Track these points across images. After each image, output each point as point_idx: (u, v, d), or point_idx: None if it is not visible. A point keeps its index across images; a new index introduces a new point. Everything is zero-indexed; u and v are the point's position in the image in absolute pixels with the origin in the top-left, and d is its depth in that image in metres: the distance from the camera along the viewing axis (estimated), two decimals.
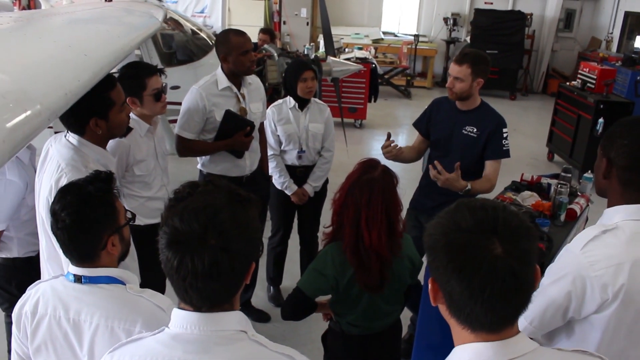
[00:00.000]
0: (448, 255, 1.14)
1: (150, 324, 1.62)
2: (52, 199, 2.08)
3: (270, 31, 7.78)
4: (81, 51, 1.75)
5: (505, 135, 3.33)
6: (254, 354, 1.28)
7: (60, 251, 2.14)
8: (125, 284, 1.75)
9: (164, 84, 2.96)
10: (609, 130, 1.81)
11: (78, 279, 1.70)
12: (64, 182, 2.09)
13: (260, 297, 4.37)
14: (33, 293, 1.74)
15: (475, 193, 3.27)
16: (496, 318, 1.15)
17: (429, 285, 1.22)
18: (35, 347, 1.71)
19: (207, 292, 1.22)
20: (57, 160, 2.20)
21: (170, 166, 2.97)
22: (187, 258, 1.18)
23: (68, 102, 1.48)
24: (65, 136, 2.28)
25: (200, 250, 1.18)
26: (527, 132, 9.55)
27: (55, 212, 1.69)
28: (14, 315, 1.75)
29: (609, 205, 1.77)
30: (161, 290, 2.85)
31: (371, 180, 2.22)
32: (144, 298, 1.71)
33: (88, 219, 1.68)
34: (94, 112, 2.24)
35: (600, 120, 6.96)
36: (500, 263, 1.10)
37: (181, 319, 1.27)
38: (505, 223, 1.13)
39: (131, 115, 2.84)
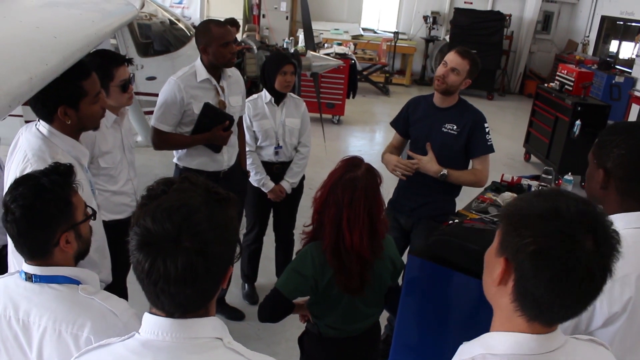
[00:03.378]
0: (542, 244, 1.09)
1: (100, 329, 1.53)
2: None
3: (235, 22, 7.52)
4: (50, 33, 1.59)
5: (487, 130, 3.29)
6: None
7: None
8: (80, 284, 1.65)
9: (131, 75, 2.84)
10: (600, 139, 1.74)
11: (29, 277, 1.60)
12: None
13: (234, 294, 4.29)
14: None
15: (455, 182, 3.27)
16: (567, 314, 1.15)
17: (501, 265, 1.16)
18: None
19: (180, 298, 1.13)
20: (25, 150, 2.10)
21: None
22: (159, 261, 1.09)
23: (33, 88, 1.35)
24: (36, 125, 2.17)
25: (173, 253, 1.09)
26: (504, 132, 9.60)
27: (6, 204, 1.58)
28: None
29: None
30: (122, 288, 2.75)
31: (354, 179, 2.14)
32: (96, 300, 1.60)
33: (39, 213, 1.57)
34: (63, 100, 2.12)
35: (578, 122, 7.01)
36: (596, 260, 1.08)
37: (152, 325, 1.17)
38: (601, 219, 1.11)
39: None
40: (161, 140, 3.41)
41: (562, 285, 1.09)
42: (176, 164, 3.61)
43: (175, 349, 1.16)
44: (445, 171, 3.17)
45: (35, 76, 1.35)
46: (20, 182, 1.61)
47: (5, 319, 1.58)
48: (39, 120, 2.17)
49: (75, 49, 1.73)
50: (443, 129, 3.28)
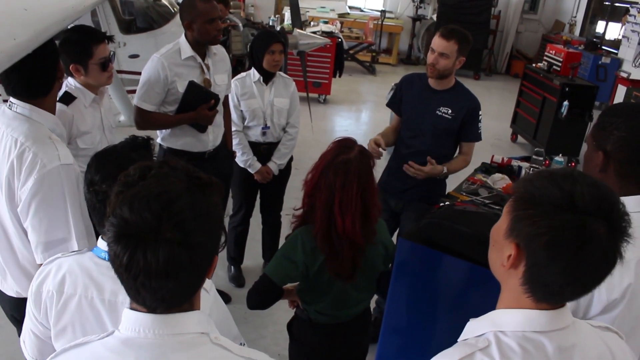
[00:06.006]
0: (557, 235, 1.07)
1: None
2: (14, 177, 1.93)
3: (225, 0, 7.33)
4: (20, 5, 1.47)
5: (480, 118, 3.30)
6: (217, 359, 1.13)
7: (10, 234, 1.97)
8: None
9: (111, 52, 2.73)
10: (600, 120, 1.70)
11: None
12: (29, 156, 1.93)
13: (220, 276, 4.22)
14: (54, 270, 1.53)
15: (451, 173, 3.34)
16: (577, 296, 1.17)
17: (512, 250, 1.13)
18: (60, 328, 1.52)
19: (162, 293, 1.05)
20: (11, 135, 1.98)
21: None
22: (139, 254, 1.00)
23: None
24: (10, 107, 2.05)
25: (153, 244, 1.00)
26: (490, 112, 9.55)
27: None
28: (30, 293, 1.54)
29: None
30: None
31: (347, 162, 2.06)
32: None
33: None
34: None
35: (565, 103, 6.98)
36: (609, 245, 1.07)
37: (133, 321, 1.10)
38: (616, 204, 1.09)
39: (75, 83, 2.65)
40: (144, 120, 3.30)
41: (575, 273, 1.09)
42: (160, 145, 3.51)
43: (159, 346, 1.08)
44: (445, 169, 3.22)
45: (2, 52, 1.23)
46: None
47: (86, 299, 1.49)
48: (9, 102, 2.06)
49: (49, 23, 1.60)
50: (437, 112, 3.23)
